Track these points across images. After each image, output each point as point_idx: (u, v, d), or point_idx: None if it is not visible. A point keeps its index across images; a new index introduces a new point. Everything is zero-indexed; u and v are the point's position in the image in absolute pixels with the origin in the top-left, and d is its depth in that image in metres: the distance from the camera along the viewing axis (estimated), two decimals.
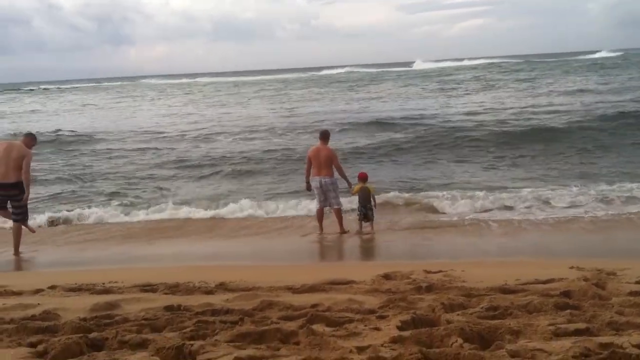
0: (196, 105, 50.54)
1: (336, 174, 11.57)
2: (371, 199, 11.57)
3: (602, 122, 23.53)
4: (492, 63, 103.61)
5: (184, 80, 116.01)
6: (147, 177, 18.88)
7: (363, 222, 11.58)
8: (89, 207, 14.61)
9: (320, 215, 11.69)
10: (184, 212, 13.84)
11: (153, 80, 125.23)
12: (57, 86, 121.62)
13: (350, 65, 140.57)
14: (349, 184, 11.73)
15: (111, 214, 14.00)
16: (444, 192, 14.04)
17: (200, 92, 72.34)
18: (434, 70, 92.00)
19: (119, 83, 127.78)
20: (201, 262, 9.95)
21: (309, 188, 11.79)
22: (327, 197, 11.47)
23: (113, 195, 16.17)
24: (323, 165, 11.37)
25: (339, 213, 11.57)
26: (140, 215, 13.85)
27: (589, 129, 22.44)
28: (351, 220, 11.85)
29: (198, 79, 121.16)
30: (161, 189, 16.89)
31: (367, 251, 10.96)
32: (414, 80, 66.34)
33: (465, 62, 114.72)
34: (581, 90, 39.24)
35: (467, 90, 47.16)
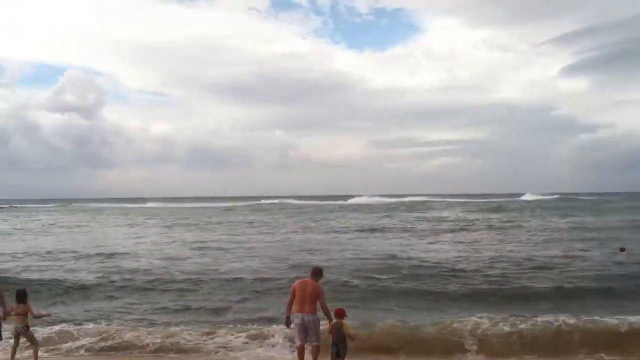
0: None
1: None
2: (346, 337, 10.99)
3: None
4: (422, 201, 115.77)
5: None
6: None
7: None
8: None
9: (301, 352, 11.12)
10: None
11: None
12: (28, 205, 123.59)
13: (287, 197, 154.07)
14: (330, 320, 11.08)
15: None
16: None
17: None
18: (363, 205, 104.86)
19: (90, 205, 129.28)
20: None
21: (288, 324, 11.22)
22: (308, 334, 10.98)
23: None
24: (307, 300, 10.92)
25: (316, 350, 11.01)
26: None
27: None
28: None
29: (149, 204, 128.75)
30: None
31: None
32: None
33: (393, 200, 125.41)
34: None
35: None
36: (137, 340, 13.20)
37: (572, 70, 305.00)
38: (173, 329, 13.98)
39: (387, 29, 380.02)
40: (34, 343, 11.44)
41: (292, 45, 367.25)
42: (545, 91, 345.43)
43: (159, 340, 13.12)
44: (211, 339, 13.28)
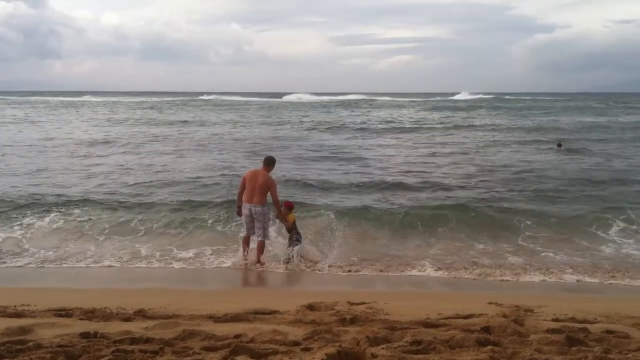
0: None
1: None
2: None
3: None
4: (362, 99, 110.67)
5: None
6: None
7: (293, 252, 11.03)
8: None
9: (244, 243, 11.06)
10: None
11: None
12: None
13: (225, 93, 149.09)
14: (280, 213, 11.18)
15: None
16: None
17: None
18: (302, 103, 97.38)
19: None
20: (118, 284, 9.63)
21: (239, 214, 11.13)
22: (254, 226, 10.86)
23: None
24: (257, 191, 10.70)
25: (261, 246, 10.86)
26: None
27: None
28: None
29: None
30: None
31: (292, 281, 10.61)
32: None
33: (340, 97, 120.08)
34: None
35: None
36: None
37: None
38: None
39: None
40: None
41: None
42: None
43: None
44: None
